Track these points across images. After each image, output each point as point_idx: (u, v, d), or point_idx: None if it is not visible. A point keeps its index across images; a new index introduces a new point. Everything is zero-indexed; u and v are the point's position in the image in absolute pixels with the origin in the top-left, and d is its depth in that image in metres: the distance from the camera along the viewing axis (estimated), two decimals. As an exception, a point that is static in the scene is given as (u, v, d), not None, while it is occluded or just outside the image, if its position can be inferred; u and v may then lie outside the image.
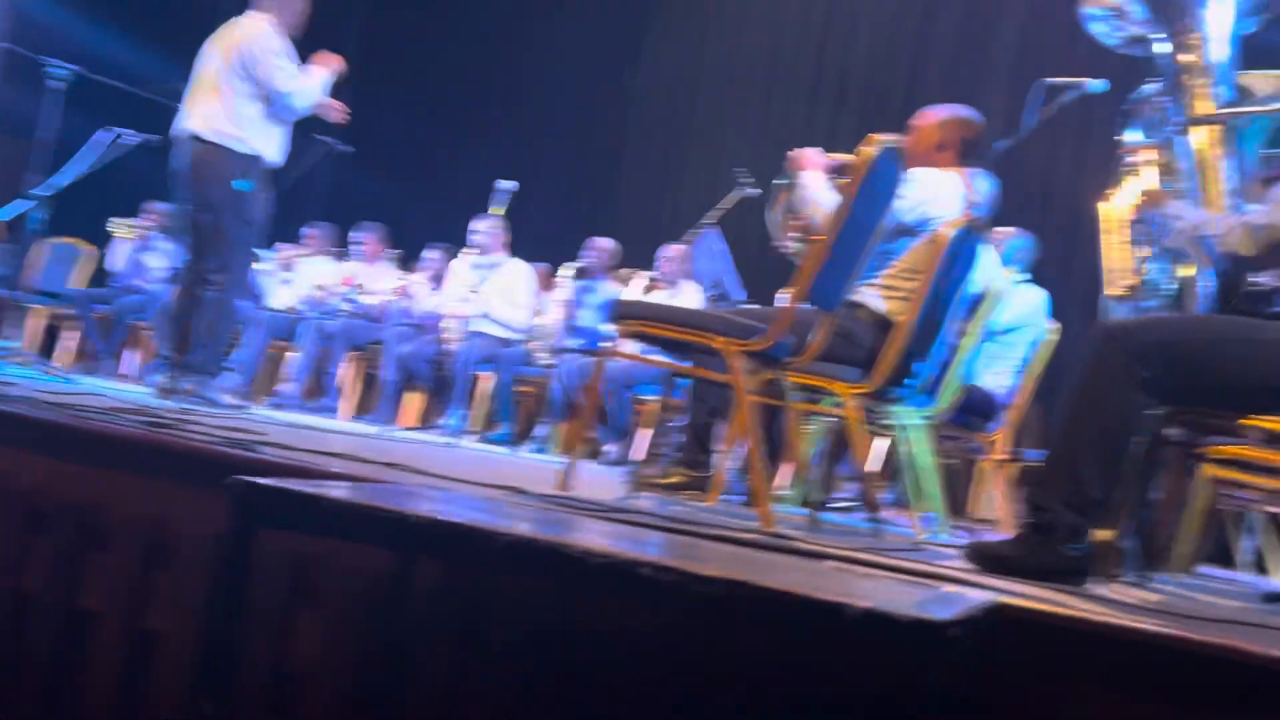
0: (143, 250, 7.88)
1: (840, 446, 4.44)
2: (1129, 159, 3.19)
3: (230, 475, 1.48)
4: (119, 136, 5.03)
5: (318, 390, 7.31)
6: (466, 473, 2.76)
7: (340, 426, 5.33)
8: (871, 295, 3.52)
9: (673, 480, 3.51)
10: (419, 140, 9.87)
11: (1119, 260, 3.13)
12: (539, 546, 1.37)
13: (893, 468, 4.65)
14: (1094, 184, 3.47)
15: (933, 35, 8.44)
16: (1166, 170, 3.08)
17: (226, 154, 4.66)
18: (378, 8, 10.39)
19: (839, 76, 8.78)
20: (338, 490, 1.57)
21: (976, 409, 4.66)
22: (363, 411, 7.30)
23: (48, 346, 7.93)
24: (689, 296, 6.42)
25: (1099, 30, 3.22)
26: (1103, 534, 2.40)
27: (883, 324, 3.46)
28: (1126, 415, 2.26)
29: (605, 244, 7.16)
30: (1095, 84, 3.84)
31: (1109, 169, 3.30)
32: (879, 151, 2.85)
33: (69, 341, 7.93)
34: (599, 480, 3.94)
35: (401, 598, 1.74)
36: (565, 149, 9.66)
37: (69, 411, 2.49)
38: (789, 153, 3.68)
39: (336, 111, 4.95)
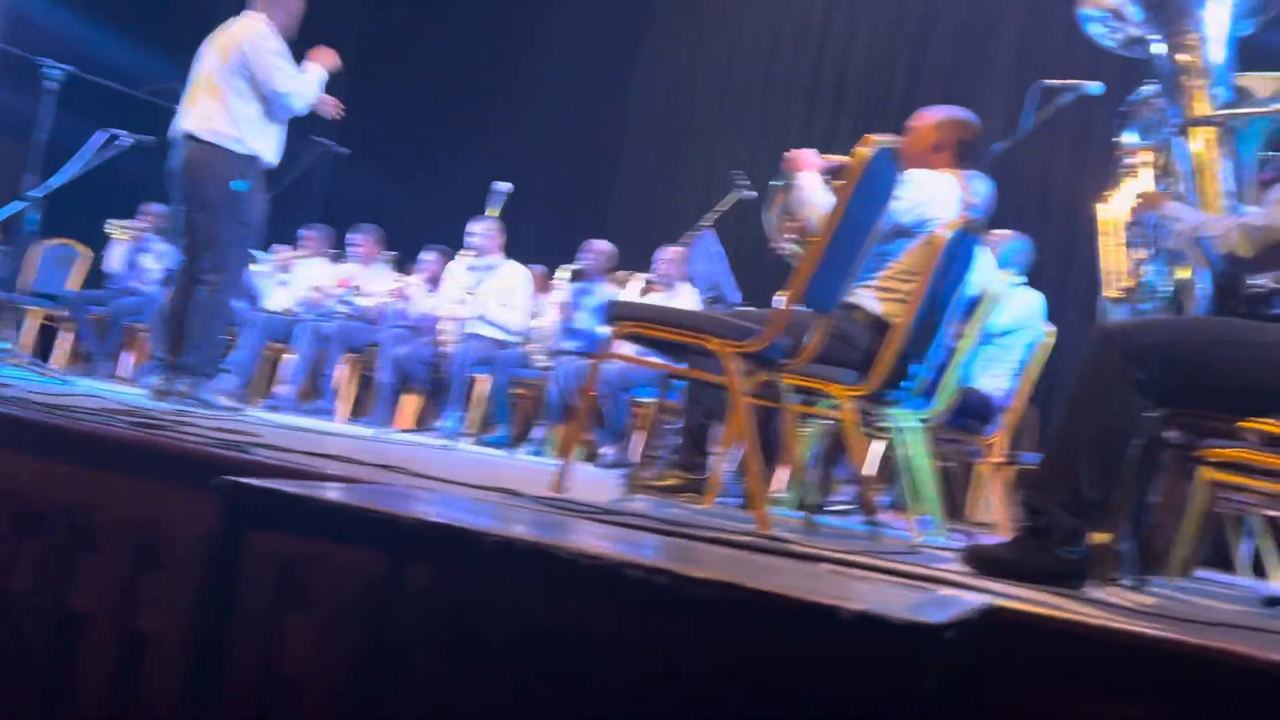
0: (139, 252, 7.87)
1: (837, 449, 4.43)
2: (1127, 161, 3.18)
3: (221, 476, 1.47)
4: (114, 137, 5.02)
5: (314, 392, 7.30)
6: (462, 475, 2.75)
7: (336, 429, 5.32)
8: (868, 297, 3.51)
9: (669, 483, 3.50)
10: (416, 141, 9.87)
11: (1117, 262, 3.12)
12: (529, 548, 1.36)
13: (889, 471, 4.64)
14: (1092, 186, 3.47)
15: (931, 36, 8.43)
16: (1164, 172, 3.07)
17: (223, 154, 4.65)
18: (376, 9, 10.38)
19: (837, 78, 8.77)
20: (327, 491, 1.56)
21: (974, 412, 4.65)
22: (359, 414, 7.28)
23: (45, 348, 7.91)
24: (686, 299, 6.40)
25: (1097, 32, 3.21)
26: (1100, 537, 2.39)
27: (879, 326, 3.45)
28: (1124, 417, 2.25)
29: (602, 246, 7.15)
30: (1093, 86, 3.83)
31: (1107, 171, 3.29)
32: (874, 152, 2.84)
33: (65, 343, 7.92)
34: (595, 483, 3.93)
35: (393, 600, 1.72)
36: (562, 151, 9.66)
37: (60, 412, 2.47)
38: (786, 154, 3.67)
39: (332, 107, 4.95)
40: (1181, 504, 3.27)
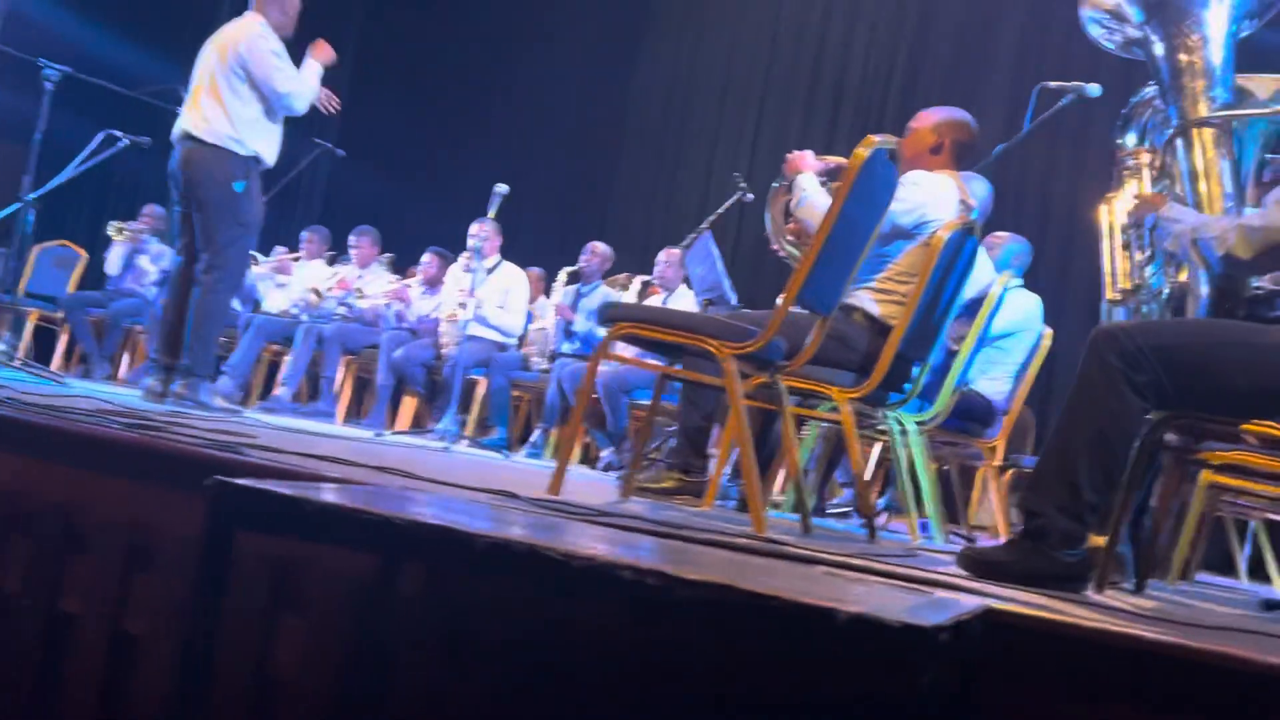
0: (138, 253, 7.86)
1: (836, 452, 4.42)
2: (1128, 162, 3.17)
3: (212, 476, 1.45)
4: (108, 138, 5.01)
5: (312, 394, 7.29)
6: (458, 477, 2.73)
7: (334, 430, 5.31)
8: (866, 299, 3.50)
9: (666, 485, 3.49)
10: (416, 142, 9.87)
11: (1118, 264, 3.11)
12: (521, 549, 1.34)
13: (888, 473, 4.63)
14: (1092, 188, 3.46)
15: (931, 36, 8.43)
16: (1165, 173, 3.06)
17: (224, 155, 4.65)
18: (376, 9, 10.39)
19: (837, 78, 8.77)
20: (317, 492, 1.54)
21: (975, 415, 4.63)
22: (357, 416, 7.26)
23: (44, 350, 7.90)
24: (685, 301, 6.39)
25: (1098, 33, 3.20)
26: (1099, 540, 2.37)
27: (878, 327, 3.44)
28: (1123, 419, 2.24)
29: (602, 248, 7.14)
30: (1092, 88, 3.83)
31: (1108, 173, 3.28)
32: (871, 153, 2.83)
33: (63, 345, 7.91)
34: (594, 485, 3.91)
35: (385, 602, 1.71)
36: (561, 152, 9.66)
37: (51, 413, 2.46)
38: (787, 155, 3.67)
39: (328, 100, 4.94)
40: (1181, 507, 3.26)
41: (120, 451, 2.18)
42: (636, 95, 9.66)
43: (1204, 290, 2.79)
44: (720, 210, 5.70)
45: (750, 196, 5.58)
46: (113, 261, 7.92)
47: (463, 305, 6.52)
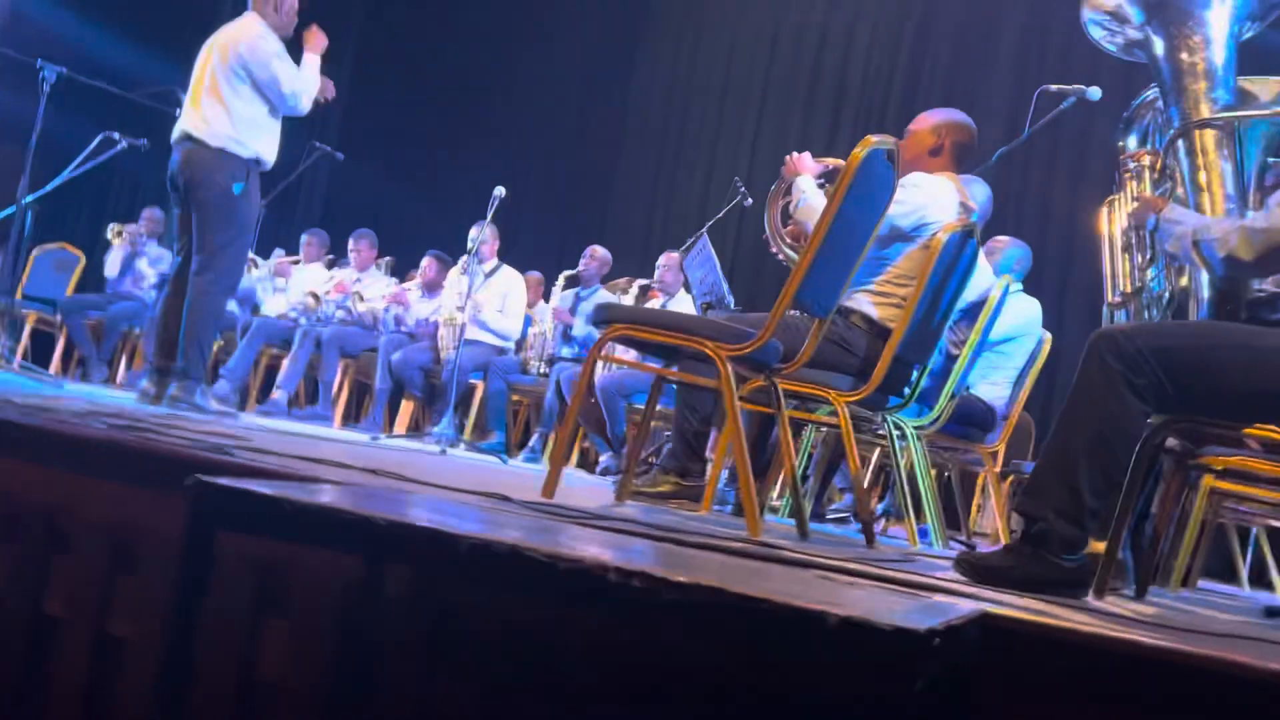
0: (137, 256, 7.85)
1: (836, 456, 4.39)
2: (1130, 165, 3.14)
3: (193, 476, 1.43)
4: (106, 140, 4.99)
5: (310, 397, 7.26)
6: (451, 480, 2.70)
7: (330, 433, 5.28)
8: (865, 301, 3.48)
9: (662, 488, 3.46)
10: (416, 143, 9.86)
11: (1119, 267, 3.08)
12: (507, 551, 1.31)
13: (888, 478, 4.60)
14: (1093, 192, 3.43)
15: (931, 37, 8.41)
16: (1166, 175, 3.03)
17: (223, 156, 4.63)
18: (376, 9, 10.38)
19: (837, 79, 8.75)
20: (299, 492, 1.51)
21: (975, 420, 4.60)
22: (355, 419, 7.24)
23: (42, 352, 7.88)
24: (685, 305, 6.37)
25: (1099, 35, 3.18)
26: (1098, 545, 2.34)
27: (877, 330, 3.41)
28: (1123, 422, 2.21)
29: (601, 252, 7.12)
30: (1093, 91, 3.81)
31: (1109, 177, 3.25)
32: (868, 152, 2.80)
33: (62, 348, 7.89)
34: (590, 489, 3.89)
35: (370, 603, 1.68)
36: (561, 154, 9.64)
37: (37, 414, 2.43)
38: (786, 157, 3.64)
39: (326, 89, 4.94)
40: (1182, 513, 3.23)
41: (106, 452, 2.15)
42: (636, 96, 9.65)
43: (1205, 293, 2.76)
44: (720, 214, 5.69)
45: (750, 201, 5.56)
46: (112, 264, 7.91)
47: (460, 309, 6.50)
